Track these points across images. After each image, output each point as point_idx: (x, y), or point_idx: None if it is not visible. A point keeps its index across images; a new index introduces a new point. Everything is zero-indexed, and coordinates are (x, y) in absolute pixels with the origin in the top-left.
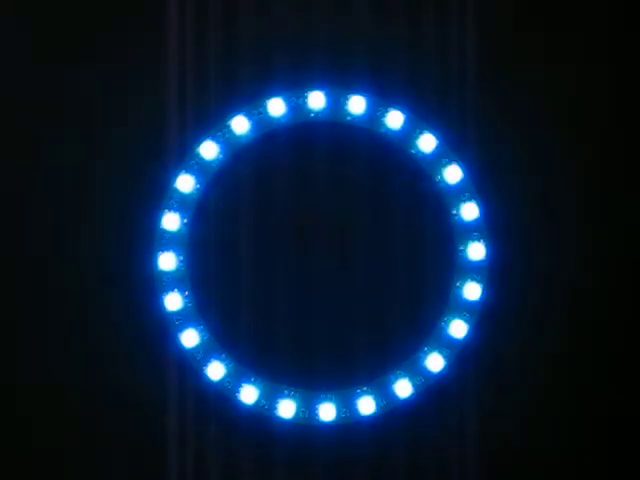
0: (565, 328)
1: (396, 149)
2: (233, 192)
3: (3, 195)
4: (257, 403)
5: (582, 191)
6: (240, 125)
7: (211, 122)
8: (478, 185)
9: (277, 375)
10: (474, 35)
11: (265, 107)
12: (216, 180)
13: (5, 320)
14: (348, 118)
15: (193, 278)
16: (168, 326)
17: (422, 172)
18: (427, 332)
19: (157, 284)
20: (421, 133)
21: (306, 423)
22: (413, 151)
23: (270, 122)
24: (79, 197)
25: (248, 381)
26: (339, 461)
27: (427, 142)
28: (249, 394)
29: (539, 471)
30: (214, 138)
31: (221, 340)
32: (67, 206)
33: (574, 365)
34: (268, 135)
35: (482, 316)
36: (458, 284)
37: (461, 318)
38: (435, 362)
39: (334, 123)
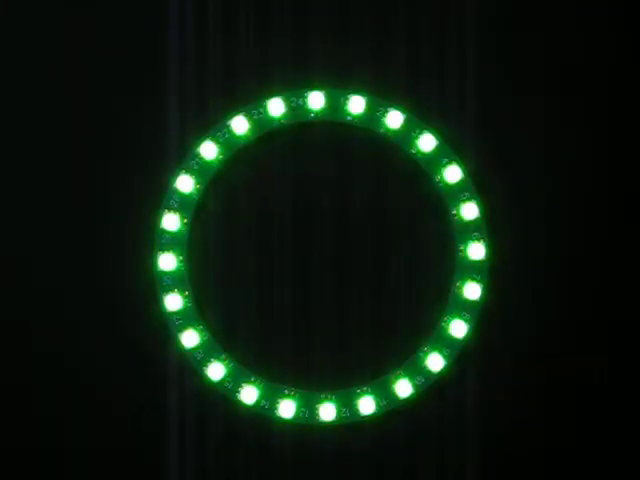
0: (566, 328)
1: (396, 149)
2: (233, 192)
3: (2, 195)
4: (257, 403)
5: (583, 191)
6: (240, 125)
7: (211, 122)
8: (478, 185)
9: (277, 375)
10: (474, 34)
11: (265, 107)
12: (216, 180)
13: (2, 320)
14: (348, 118)
15: (193, 278)
16: (168, 326)
17: (422, 172)
18: (427, 332)
19: (157, 284)
20: (421, 133)
21: (306, 423)
22: (413, 151)
23: (270, 122)
24: (78, 197)
25: (248, 381)
26: (339, 461)
27: (427, 142)
28: (249, 394)
29: (540, 471)
30: (214, 138)
31: (221, 340)
32: (66, 206)
33: (575, 365)
34: (268, 135)
35: (482, 316)
36: (458, 284)
37: (461, 318)
38: (435, 362)
39: (334, 123)
